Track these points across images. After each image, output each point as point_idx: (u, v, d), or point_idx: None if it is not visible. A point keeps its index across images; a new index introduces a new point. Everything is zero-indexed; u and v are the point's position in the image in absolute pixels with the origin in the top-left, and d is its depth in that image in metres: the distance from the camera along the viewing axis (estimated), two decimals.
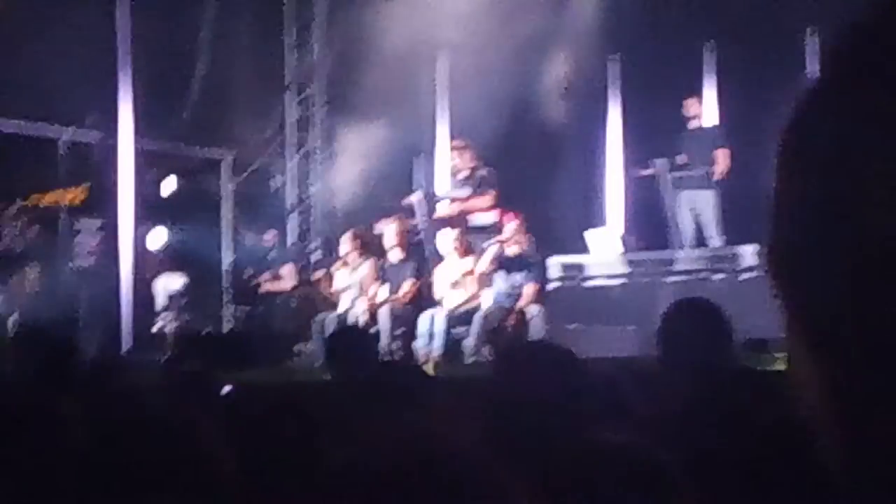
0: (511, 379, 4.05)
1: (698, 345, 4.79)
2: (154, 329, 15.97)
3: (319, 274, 15.88)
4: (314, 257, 18.08)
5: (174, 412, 4.95)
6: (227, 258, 17.85)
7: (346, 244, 14.44)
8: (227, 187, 18.04)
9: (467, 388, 4.78)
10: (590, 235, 15.21)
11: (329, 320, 13.74)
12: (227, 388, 6.10)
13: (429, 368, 12.86)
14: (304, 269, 17.56)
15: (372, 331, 12.96)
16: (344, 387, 7.31)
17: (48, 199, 18.84)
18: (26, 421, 5.14)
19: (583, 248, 15.25)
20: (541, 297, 13.44)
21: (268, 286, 16.35)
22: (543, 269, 13.97)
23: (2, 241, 16.63)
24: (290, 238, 18.37)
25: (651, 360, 5.43)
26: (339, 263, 14.71)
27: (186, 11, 16.81)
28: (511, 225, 13.74)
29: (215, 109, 17.35)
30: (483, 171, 14.53)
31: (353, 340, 8.01)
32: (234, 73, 17.49)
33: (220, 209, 18.11)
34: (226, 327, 17.33)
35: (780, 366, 7.21)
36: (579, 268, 14.78)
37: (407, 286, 13.89)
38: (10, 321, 14.45)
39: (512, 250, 13.58)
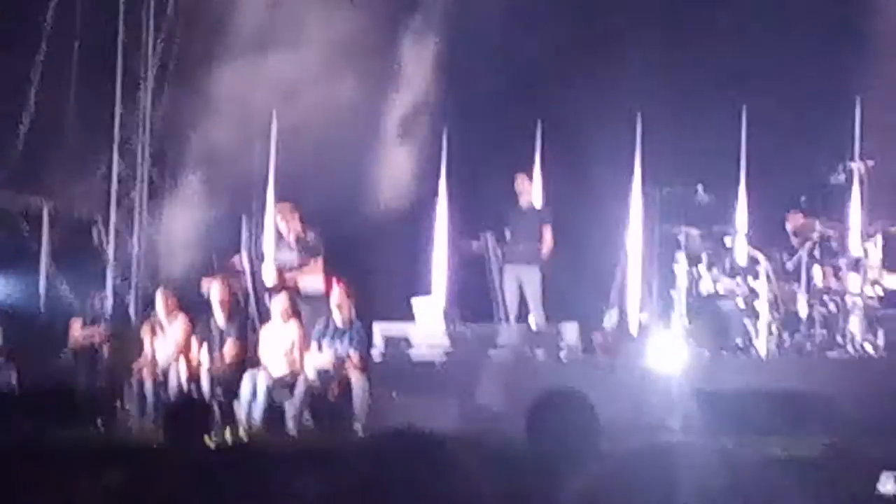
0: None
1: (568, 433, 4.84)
2: None
3: (137, 329, 15.53)
4: (132, 312, 17.74)
5: None
6: (38, 310, 17.40)
7: (159, 302, 14.18)
8: (45, 237, 17.61)
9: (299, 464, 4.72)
10: (416, 303, 15.21)
11: (147, 381, 13.46)
12: None
13: (250, 433, 12.73)
14: (119, 325, 17.22)
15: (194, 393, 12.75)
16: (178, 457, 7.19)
17: None
18: None
19: (402, 318, 15.25)
20: (364, 365, 13.37)
21: (79, 338, 15.79)
22: (368, 336, 13.90)
23: None
24: (108, 292, 17.99)
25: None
26: (152, 321, 14.45)
27: (15, 54, 16.48)
28: (336, 291, 13.66)
29: (39, 158, 16.99)
30: (311, 236, 14.46)
31: (190, 415, 7.93)
32: (61, 121, 17.16)
33: (28, 261, 17.67)
34: (41, 382, 16.85)
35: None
36: (405, 340, 14.75)
37: (231, 348, 13.70)
38: None
39: (336, 317, 13.49)
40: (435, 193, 16.90)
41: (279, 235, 14.88)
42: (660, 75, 15.19)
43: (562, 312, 14.75)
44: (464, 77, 16.05)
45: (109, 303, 17.70)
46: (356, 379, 13.12)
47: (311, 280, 14.18)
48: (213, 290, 13.95)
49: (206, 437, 8.15)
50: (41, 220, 17.59)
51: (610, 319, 14.63)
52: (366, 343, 13.74)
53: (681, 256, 14.13)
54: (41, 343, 16.99)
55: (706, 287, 14.14)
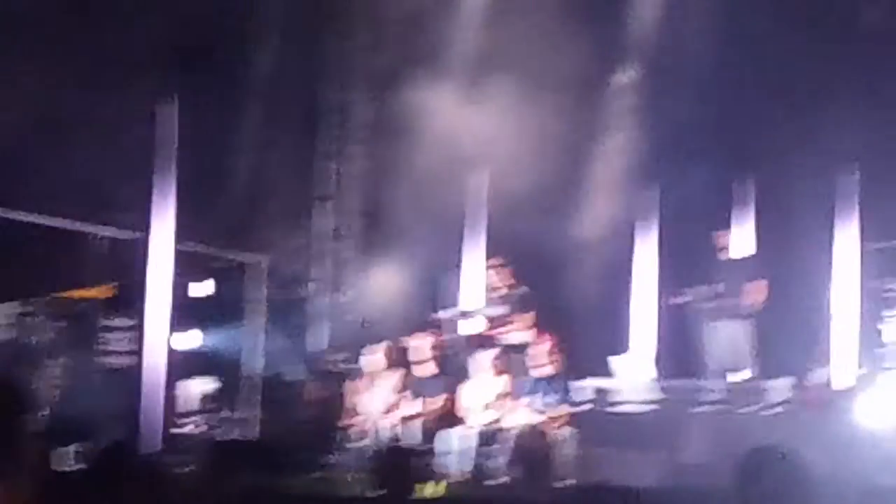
0: None
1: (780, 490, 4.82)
2: (181, 431, 15.93)
3: (347, 384, 15.81)
4: (342, 366, 18.04)
5: None
6: (256, 363, 17.78)
7: (378, 356, 14.41)
8: (258, 292, 18.03)
9: None
10: (615, 361, 15.23)
11: (359, 433, 13.69)
12: None
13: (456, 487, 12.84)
14: (332, 378, 17.54)
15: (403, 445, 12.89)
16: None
17: (76, 294, 18.90)
18: None
19: (607, 373, 15.26)
20: (571, 419, 13.39)
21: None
22: (573, 391, 13.94)
23: (28, 335, 16.65)
24: (310, 346, 18.33)
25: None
26: (367, 375, 14.66)
27: (223, 117, 16.95)
28: (544, 346, 13.73)
29: (245, 215, 17.43)
30: (522, 291, 14.56)
31: (395, 459, 8.07)
32: (266, 180, 17.60)
33: (245, 314, 18.07)
34: (252, 434, 17.24)
35: None
36: (609, 392, 14.77)
37: (439, 401, 13.85)
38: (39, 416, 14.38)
39: (544, 371, 13.56)
40: (632, 247, 16.90)
41: (489, 290, 15.00)
42: (875, 128, 14.99)
43: (770, 368, 14.57)
44: (672, 130, 16.05)
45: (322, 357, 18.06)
46: (565, 433, 13.14)
47: (520, 335, 14.26)
48: (420, 344, 14.12)
49: (415, 489, 8.28)
50: (244, 274, 18.05)
51: (820, 375, 14.41)
52: (571, 398, 13.76)
53: (889, 313, 13.88)
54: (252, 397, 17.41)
55: None
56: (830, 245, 15.46)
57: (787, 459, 4.93)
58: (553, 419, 13.29)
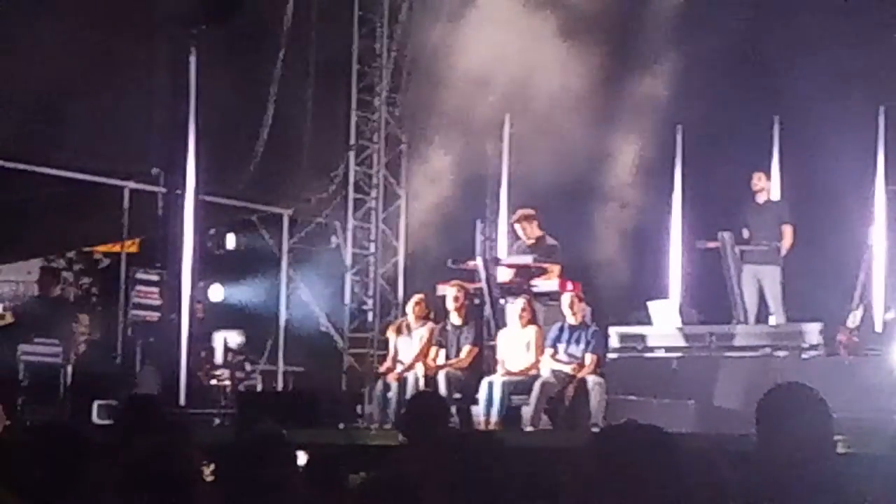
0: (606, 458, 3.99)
1: (800, 429, 4.71)
2: (211, 383, 15.97)
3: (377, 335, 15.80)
4: (371, 318, 18.03)
5: (257, 471, 4.88)
6: (285, 315, 17.77)
7: (410, 307, 14.35)
8: (285, 244, 18.00)
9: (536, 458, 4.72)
10: (652, 306, 15.11)
11: (391, 384, 13.64)
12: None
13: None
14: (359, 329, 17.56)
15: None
16: (422, 449, 7.25)
17: (105, 248, 18.92)
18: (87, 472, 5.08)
19: (643, 320, 15.15)
20: (600, 367, 13.31)
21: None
22: (603, 339, 13.85)
23: (59, 289, 16.66)
24: (347, 297, 18.31)
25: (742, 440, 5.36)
26: (398, 326, 14.60)
27: (257, 69, 16.87)
28: (571, 295, 13.63)
29: (281, 167, 17.38)
30: (550, 241, 14.47)
31: (429, 406, 7.96)
32: (301, 131, 17.52)
33: (275, 266, 18.05)
34: (280, 385, 17.26)
35: (842, 447, 7.05)
36: (640, 339, 14.67)
37: (466, 351, 13.79)
38: (68, 370, 14.40)
39: (572, 320, 13.46)
40: (670, 193, 16.76)
41: (517, 239, 14.92)
42: None
43: (803, 312, 14.44)
44: (700, 71, 15.88)
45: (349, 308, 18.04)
46: (592, 380, 13.06)
47: (548, 283, 14.17)
48: (450, 294, 14.04)
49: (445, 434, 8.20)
50: (281, 226, 18.00)
51: (854, 318, 14.28)
52: (602, 345, 13.68)
53: None
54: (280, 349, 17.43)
55: None
56: (864, 186, 15.29)
57: (809, 399, 4.83)
58: (583, 367, 13.21)
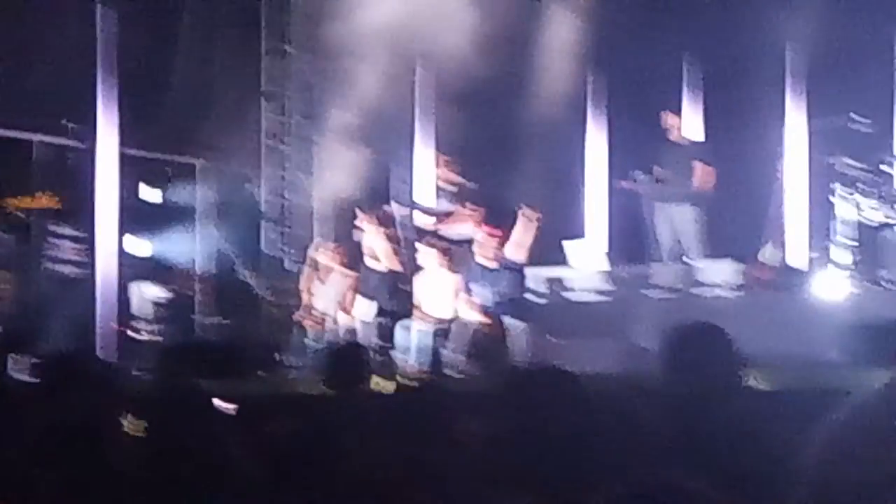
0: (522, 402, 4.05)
1: (708, 366, 4.79)
2: (134, 337, 15.88)
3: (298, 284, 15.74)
4: (288, 266, 17.97)
5: (176, 423, 4.88)
6: (207, 266, 17.69)
7: (326, 255, 14.33)
8: (198, 194, 17.89)
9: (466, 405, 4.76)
10: (568, 246, 15.17)
11: (310, 331, 13.67)
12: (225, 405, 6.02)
13: (407, 380, 12.80)
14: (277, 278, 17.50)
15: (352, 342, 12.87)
16: (343, 400, 7.28)
17: (20, 203, 18.68)
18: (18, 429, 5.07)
19: (561, 260, 15.21)
20: (519, 308, 13.36)
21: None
22: (522, 280, 13.89)
23: None
24: (264, 247, 18.25)
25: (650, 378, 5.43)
26: (314, 273, 14.58)
27: (164, 18, 16.69)
28: (487, 236, 13.65)
29: (191, 116, 17.23)
30: (470, 187, 14.49)
31: (350, 356, 8.02)
32: (211, 80, 17.38)
33: (195, 217, 17.96)
34: (198, 337, 17.19)
35: (763, 384, 7.16)
36: (559, 281, 14.73)
37: (392, 297, 13.81)
38: None
39: (492, 263, 13.50)
40: (583, 133, 16.83)
41: (438, 185, 14.92)
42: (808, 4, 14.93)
43: (717, 249, 14.56)
44: (619, 11, 15.92)
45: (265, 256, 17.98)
46: (511, 322, 13.12)
47: (464, 227, 14.20)
48: (372, 238, 14.05)
49: (366, 384, 8.23)
50: (193, 176, 17.89)
51: (766, 253, 14.43)
52: (520, 286, 13.72)
53: (838, 187, 13.79)
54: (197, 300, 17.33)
55: (866, 217, 13.75)
56: (780, 124, 15.44)
57: (716, 337, 4.90)
58: (505, 310, 13.26)
